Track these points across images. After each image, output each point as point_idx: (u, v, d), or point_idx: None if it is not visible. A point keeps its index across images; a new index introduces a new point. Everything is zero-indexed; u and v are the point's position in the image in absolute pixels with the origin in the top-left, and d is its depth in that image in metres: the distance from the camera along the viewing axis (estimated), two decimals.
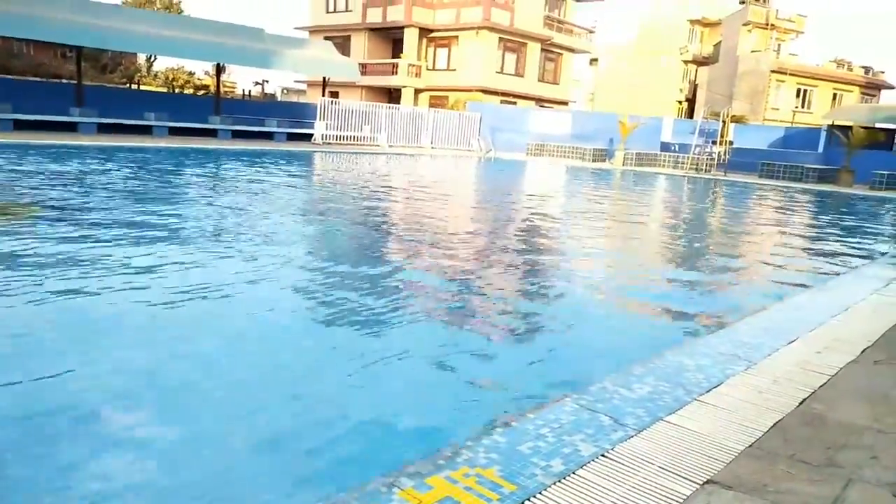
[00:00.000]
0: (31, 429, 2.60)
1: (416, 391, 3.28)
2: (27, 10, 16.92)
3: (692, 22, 47.22)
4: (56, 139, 15.19)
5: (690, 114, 44.25)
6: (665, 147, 26.08)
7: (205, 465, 2.45)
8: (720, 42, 45.54)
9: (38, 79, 29.80)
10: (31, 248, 5.38)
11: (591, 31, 41.10)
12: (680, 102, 47.74)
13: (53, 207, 7.42)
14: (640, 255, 7.93)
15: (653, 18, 47.24)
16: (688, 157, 23.74)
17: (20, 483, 2.25)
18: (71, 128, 17.75)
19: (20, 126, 16.73)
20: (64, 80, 29.35)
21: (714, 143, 23.81)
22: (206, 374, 3.26)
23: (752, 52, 42.44)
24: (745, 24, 42.63)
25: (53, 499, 2.19)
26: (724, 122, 23.81)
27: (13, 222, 6.47)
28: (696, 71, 47.10)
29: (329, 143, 22.64)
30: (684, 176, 22.22)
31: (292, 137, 22.52)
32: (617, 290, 5.86)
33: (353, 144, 23.45)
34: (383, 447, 2.68)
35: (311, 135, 22.67)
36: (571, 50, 38.83)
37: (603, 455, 2.30)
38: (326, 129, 22.96)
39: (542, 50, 36.47)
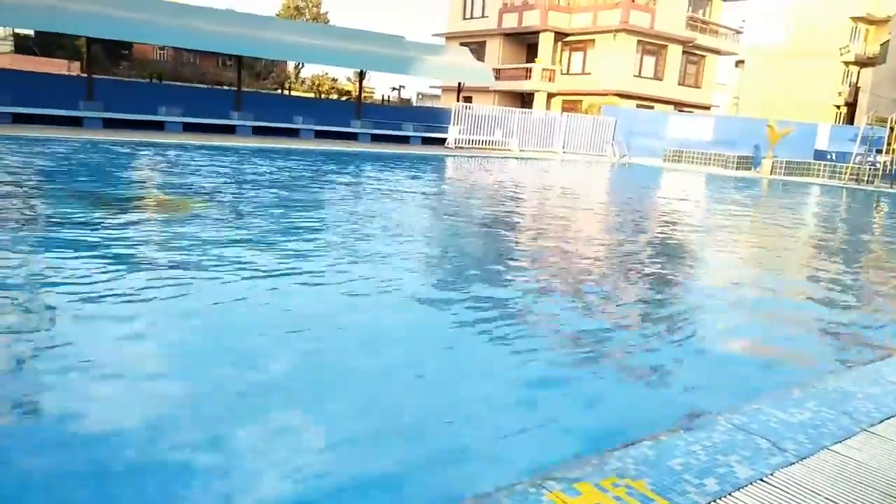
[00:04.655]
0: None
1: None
2: (197, 24, 18.69)
3: (855, 19, 43.14)
4: (218, 140, 16.64)
5: (850, 119, 40.43)
6: (820, 155, 24.04)
7: None
8: (888, 41, 41.25)
9: (203, 85, 32.73)
10: (205, 237, 5.96)
11: (738, 32, 38.75)
12: (838, 107, 43.77)
13: (224, 203, 8.15)
14: (795, 271, 7.40)
15: (808, 16, 43.66)
16: (846, 167, 21.74)
17: None
18: (230, 130, 19.37)
19: (188, 128, 18.50)
20: (224, 87, 32.10)
21: (879, 151, 21.63)
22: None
23: None
24: None
25: None
26: (891, 128, 21.56)
27: (186, 215, 7.20)
28: (859, 73, 42.94)
29: (461, 148, 23.04)
30: (842, 187, 20.39)
31: (426, 141, 23.16)
32: (770, 310, 5.52)
33: (485, 149, 23.71)
34: None
35: (445, 139, 23.18)
36: (716, 52, 36.82)
37: (762, 480, 2.19)
38: (459, 133, 23.39)
39: (684, 52, 34.87)
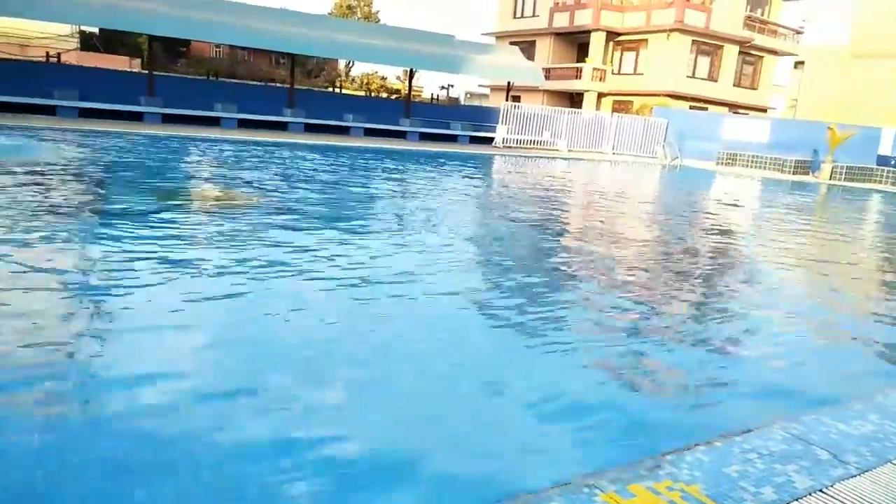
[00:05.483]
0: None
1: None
2: (252, 23, 19.13)
3: None
4: (270, 137, 17.01)
5: None
6: (883, 161, 23.08)
7: None
8: None
9: (256, 83, 33.46)
10: (254, 231, 6.12)
11: (798, 32, 37.54)
12: None
13: (275, 199, 8.35)
14: (856, 285, 7.16)
15: (872, 15, 41.89)
16: None
17: None
18: (282, 126, 19.77)
19: (242, 124, 18.96)
20: (277, 84, 32.75)
21: None
22: None
23: None
24: None
25: None
26: None
27: (237, 209, 7.40)
28: None
29: (509, 147, 22.96)
30: None
31: (474, 140, 23.16)
32: (829, 324, 5.36)
33: (533, 148, 23.58)
34: None
35: (493, 138, 23.15)
36: (774, 52, 35.77)
37: (821, 491, 2.15)
38: (507, 133, 23.32)
39: (741, 52, 33.99)
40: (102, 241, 5.33)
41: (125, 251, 5.06)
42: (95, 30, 34.33)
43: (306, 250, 5.68)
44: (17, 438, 2.42)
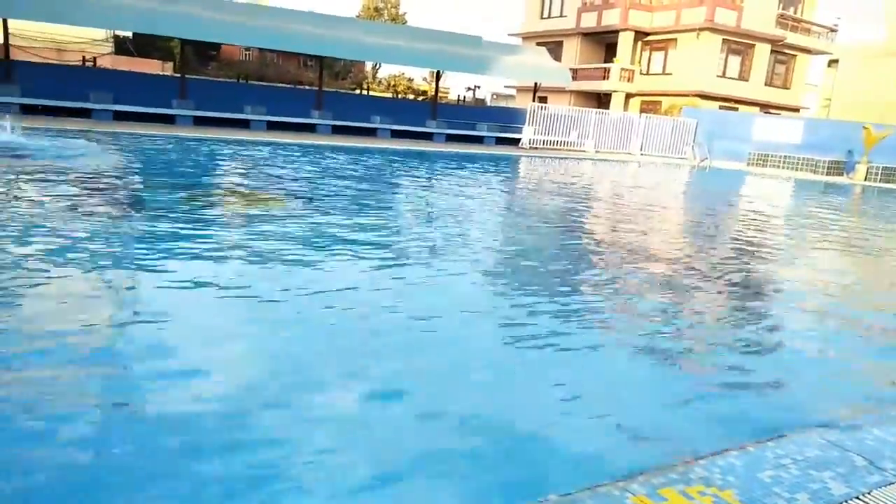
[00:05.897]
0: None
1: None
2: (281, 25, 19.36)
3: None
4: (300, 139, 17.18)
5: None
6: None
7: None
8: None
9: (285, 85, 33.82)
10: (286, 233, 6.21)
11: (832, 30, 36.77)
12: None
13: (302, 198, 8.45)
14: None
15: None
16: None
17: None
18: (310, 128, 19.96)
19: (272, 126, 19.20)
20: (305, 86, 33.08)
21: None
22: None
23: None
24: None
25: None
26: None
27: (268, 211, 7.50)
28: None
29: (536, 148, 22.90)
30: None
31: (500, 141, 23.13)
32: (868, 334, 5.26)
33: (560, 149, 23.47)
34: None
35: (519, 139, 23.09)
36: (807, 51, 35.08)
37: (858, 498, 2.12)
38: (534, 133, 23.25)
39: (773, 51, 33.41)
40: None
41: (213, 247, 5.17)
42: (129, 34, 35.05)
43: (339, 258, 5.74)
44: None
